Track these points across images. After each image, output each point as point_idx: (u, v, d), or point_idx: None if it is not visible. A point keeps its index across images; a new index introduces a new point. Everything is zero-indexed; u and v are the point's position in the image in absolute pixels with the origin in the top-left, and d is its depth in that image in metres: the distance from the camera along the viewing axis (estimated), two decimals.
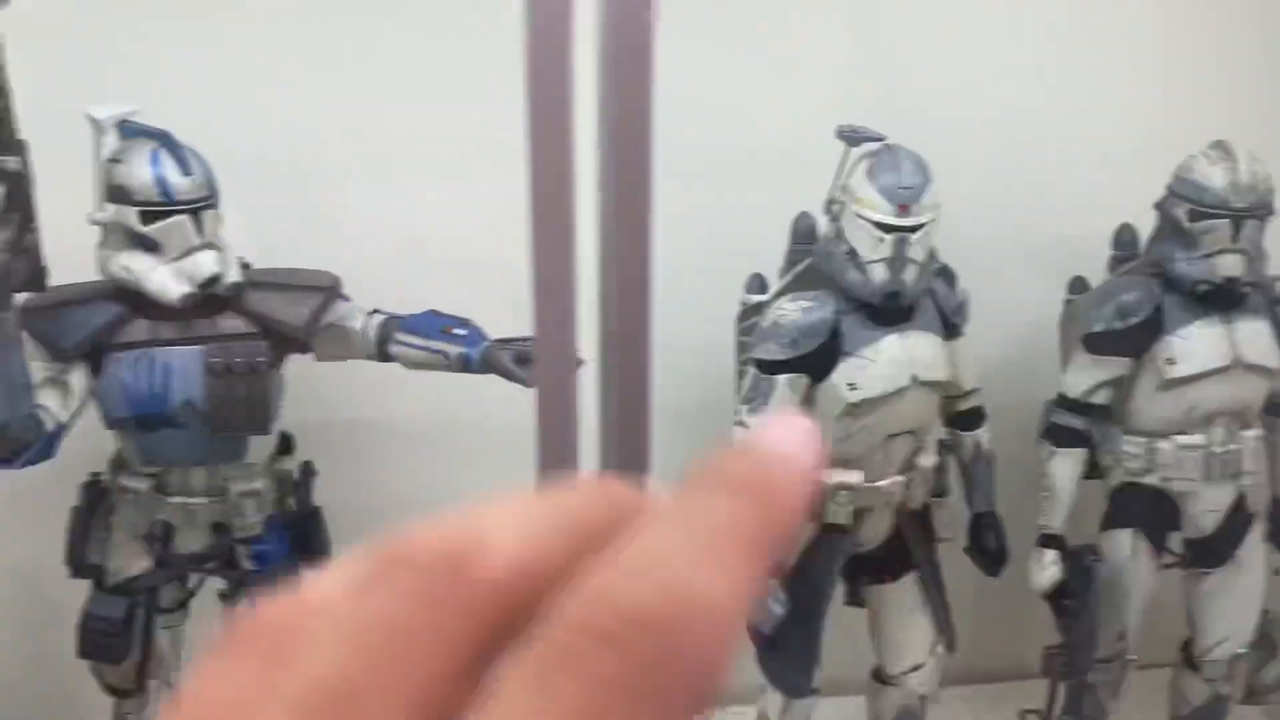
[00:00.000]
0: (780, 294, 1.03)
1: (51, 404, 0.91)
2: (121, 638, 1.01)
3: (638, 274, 0.36)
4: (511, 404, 1.24)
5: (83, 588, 1.03)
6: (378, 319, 1.00)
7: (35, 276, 0.88)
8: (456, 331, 0.97)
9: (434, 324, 0.98)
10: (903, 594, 1.11)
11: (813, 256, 1.02)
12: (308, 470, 1.07)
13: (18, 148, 0.83)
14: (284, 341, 0.97)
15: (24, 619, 1.22)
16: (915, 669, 1.11)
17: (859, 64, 1.21)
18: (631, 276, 0.37)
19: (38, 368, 0.90)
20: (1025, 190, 1.24)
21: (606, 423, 0.29)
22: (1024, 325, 1.24)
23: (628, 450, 0.30)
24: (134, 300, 0.93)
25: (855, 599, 1.13)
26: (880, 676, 1.14)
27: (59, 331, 0.91)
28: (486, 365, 0.95)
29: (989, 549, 1.11)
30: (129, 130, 0.89)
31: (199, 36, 1.04)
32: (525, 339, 0.95)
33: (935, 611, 1.11)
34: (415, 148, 1.11)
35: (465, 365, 0.96)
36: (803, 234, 1.06)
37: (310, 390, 1.09)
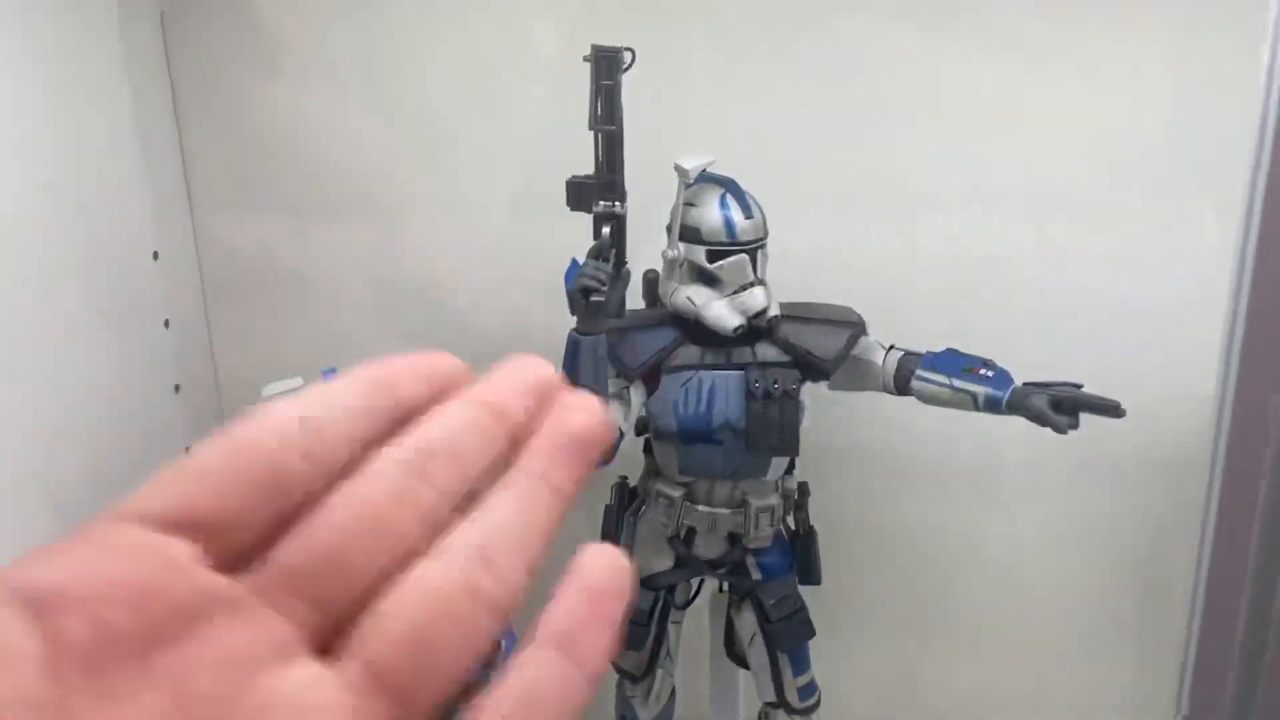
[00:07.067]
0: None
1: (616, 416, 1.03)
2: (645, 626, 1.12)
3: None
4: (1006, 444, 1.26)
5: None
6: (896, 354, 1.05)
7: (621, 305, 1.01)
8: (982, 372, 0.99)
9: (957, 362, 1.01)
10: None
11: None
12: (804, 491, 1.14)
13: (624, 194, 0.95)
14: (810, 370, 1.04)
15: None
16: None
17: None
18: None
19: (609, 384, 1.03)
20: None
21: None
22: None
23: None
24: (687, 327, 1.04)
25: None
26: None
27: (627, 353, 1.03)
28: (1017, 408, 0.97)
29: None
30: (702, 177, 1.00)
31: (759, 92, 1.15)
32: (1063, 384, 0.96)
33: None
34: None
35: (992, 406, 0.98)
36: None
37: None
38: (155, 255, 1.23)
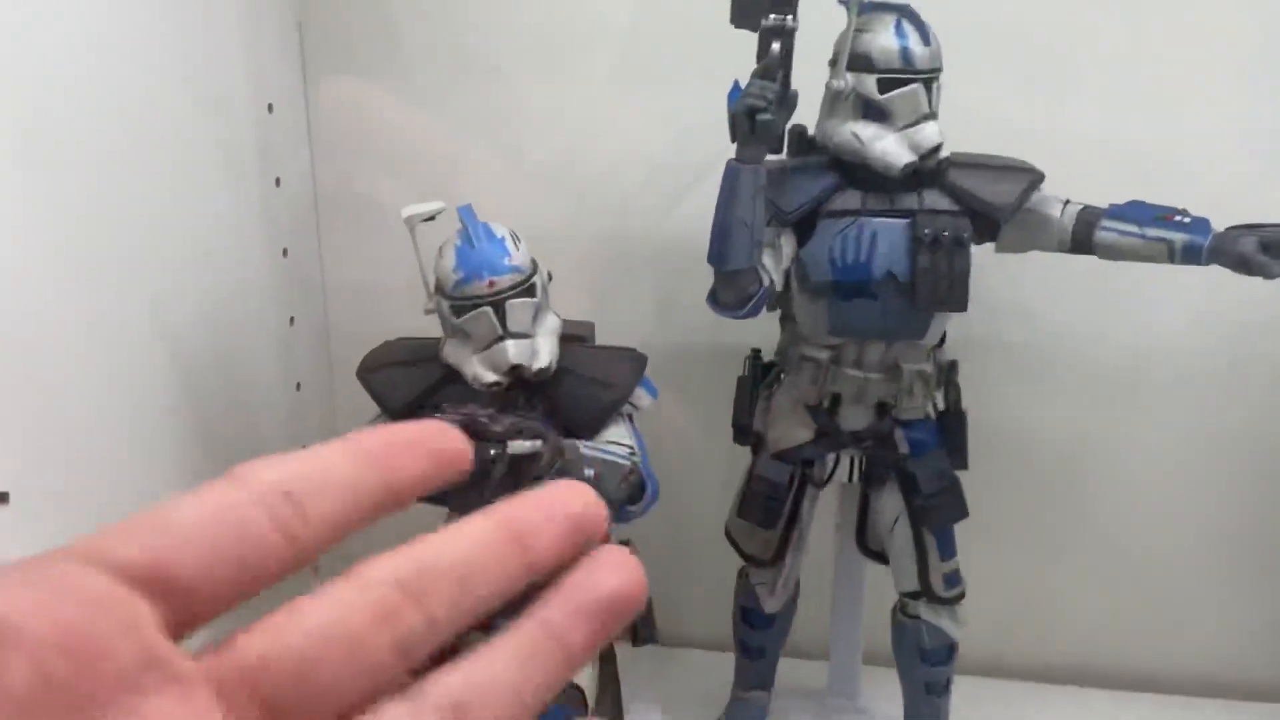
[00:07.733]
0: None
1: (768, 263, 0.96)
2: (780, 502, 1.05)
3: None
4: (1156, 343, 1.17)
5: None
6: (1075, 207, 0.97)
7: (780, 136, 0.94)
8: (1178, 219, 0.91)
9: (1147, 211, 0.93)
10: None
11: None
12: (954, 368, 1.06)
13: (796, 7, 0.88)
14: (981, 222, 0.96)
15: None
16: None
17: None
18: None
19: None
20: None
21: None
22: None
23: None
24: (849, 172, 0.96)
25: None
26: None
27: (783, 196, 0.95)
28: (1219, 253, 0.88)
29: None
30: (869, 4, 0.92)
31: None
32: (1274, 225, 0.87)
33: None
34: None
35: (1191, 255, 0.90)
36: None
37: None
38: (270, 108, 1.18)
